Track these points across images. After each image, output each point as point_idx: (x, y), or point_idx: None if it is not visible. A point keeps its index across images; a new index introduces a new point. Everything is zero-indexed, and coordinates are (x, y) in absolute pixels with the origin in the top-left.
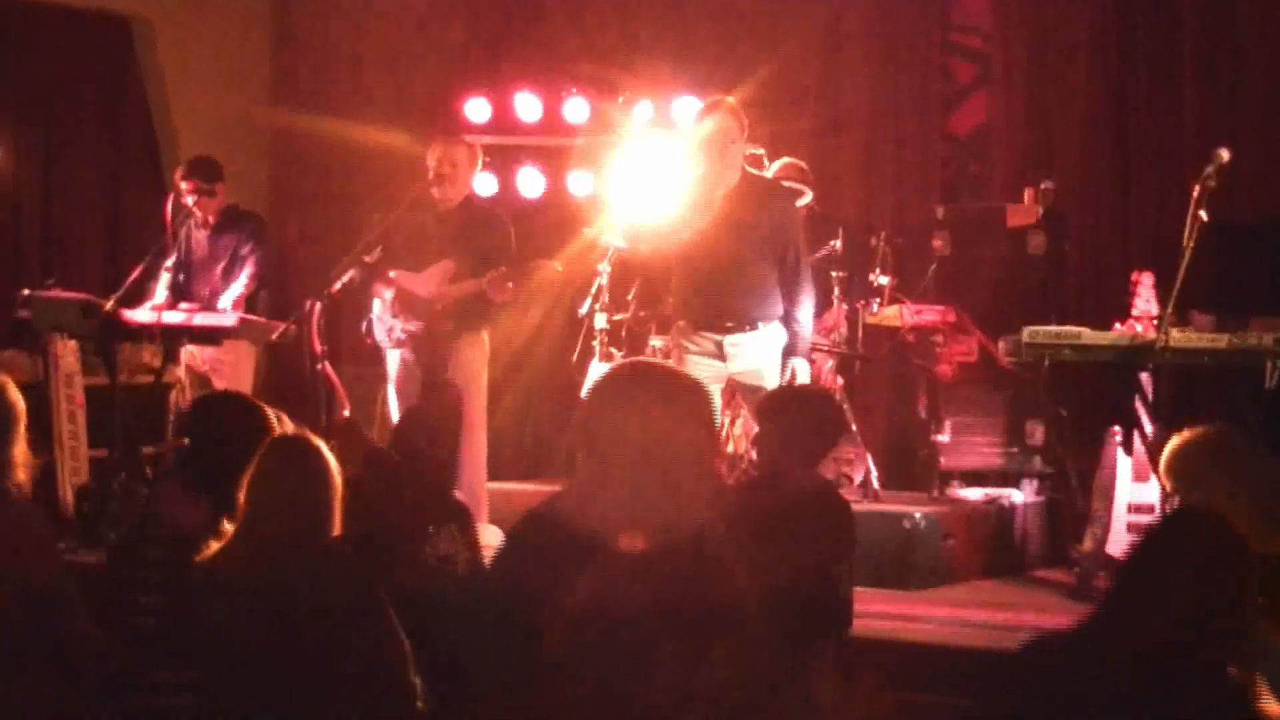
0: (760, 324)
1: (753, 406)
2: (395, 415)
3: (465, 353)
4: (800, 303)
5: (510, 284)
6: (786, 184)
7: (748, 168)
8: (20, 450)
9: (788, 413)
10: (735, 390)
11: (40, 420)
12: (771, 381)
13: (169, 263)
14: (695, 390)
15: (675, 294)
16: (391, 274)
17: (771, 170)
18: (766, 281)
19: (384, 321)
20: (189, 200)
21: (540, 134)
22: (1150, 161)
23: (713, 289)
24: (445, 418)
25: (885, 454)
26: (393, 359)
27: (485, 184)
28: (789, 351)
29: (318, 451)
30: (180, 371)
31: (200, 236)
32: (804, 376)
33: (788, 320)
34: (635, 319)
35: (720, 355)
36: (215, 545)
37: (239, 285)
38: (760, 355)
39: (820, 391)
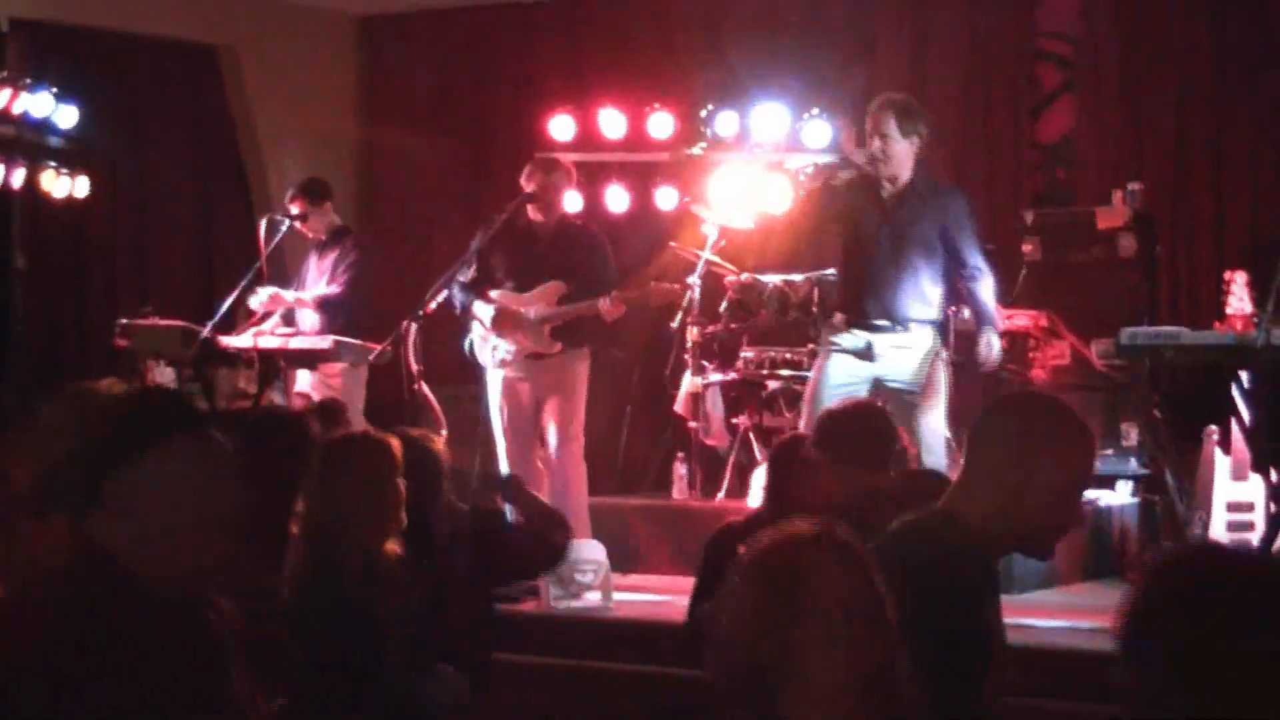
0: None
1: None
2: (498, 434)
3: (572, 371)
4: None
5: (620, 305)
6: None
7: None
8: None
9: None
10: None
11: None
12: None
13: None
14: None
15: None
16: (494, 294)
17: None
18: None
19: (488, 342)
20: (297, 222)
21: (625, 150)
22: (1241, 161)
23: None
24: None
25: None
26: (494, 378)
27: (572, 201)
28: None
29: (385, 449)
30: (278, 396)
31: (312, 260)
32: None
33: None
34: (727, 331)
35: (869, 355)
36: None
37: (327, 288)
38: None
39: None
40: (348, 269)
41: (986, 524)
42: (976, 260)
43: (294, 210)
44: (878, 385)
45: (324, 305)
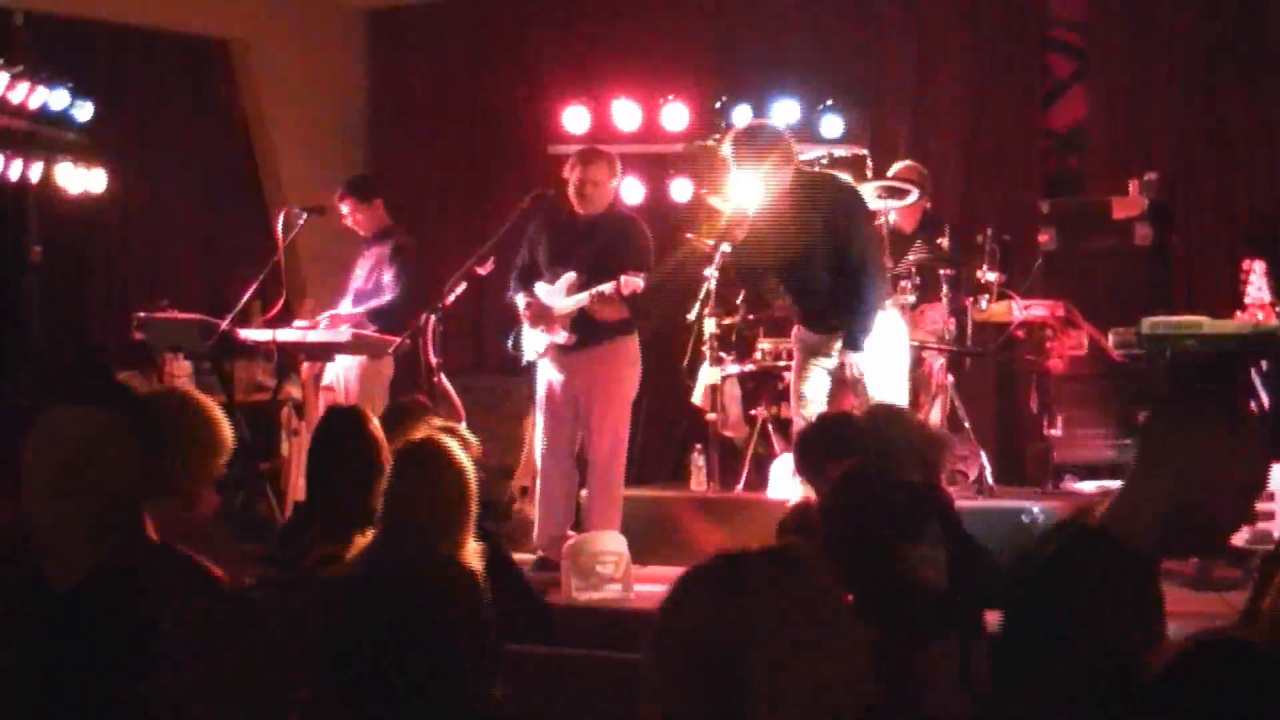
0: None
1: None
2: (539, 430)
3: (605, 363)
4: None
5: (611, 300)
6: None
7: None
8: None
9: None
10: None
11: None
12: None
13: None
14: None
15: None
16: (537, 286)
17: (891, 172)
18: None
19: (529, 334)
20: (347, 220)
21: (639, 141)
22: (1252, 149)
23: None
24: None
25: (997, 449)
26: (539, 371)
27: (630, 193)
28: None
29: (451, 457)
30: (295, 389)
31: (360, 256)
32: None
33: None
34: (744, 323)
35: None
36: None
37: (380, 299)
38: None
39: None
40: (399, 274)
41: (1153, 533)
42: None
43: (343, 208)
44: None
45: (378, 315)
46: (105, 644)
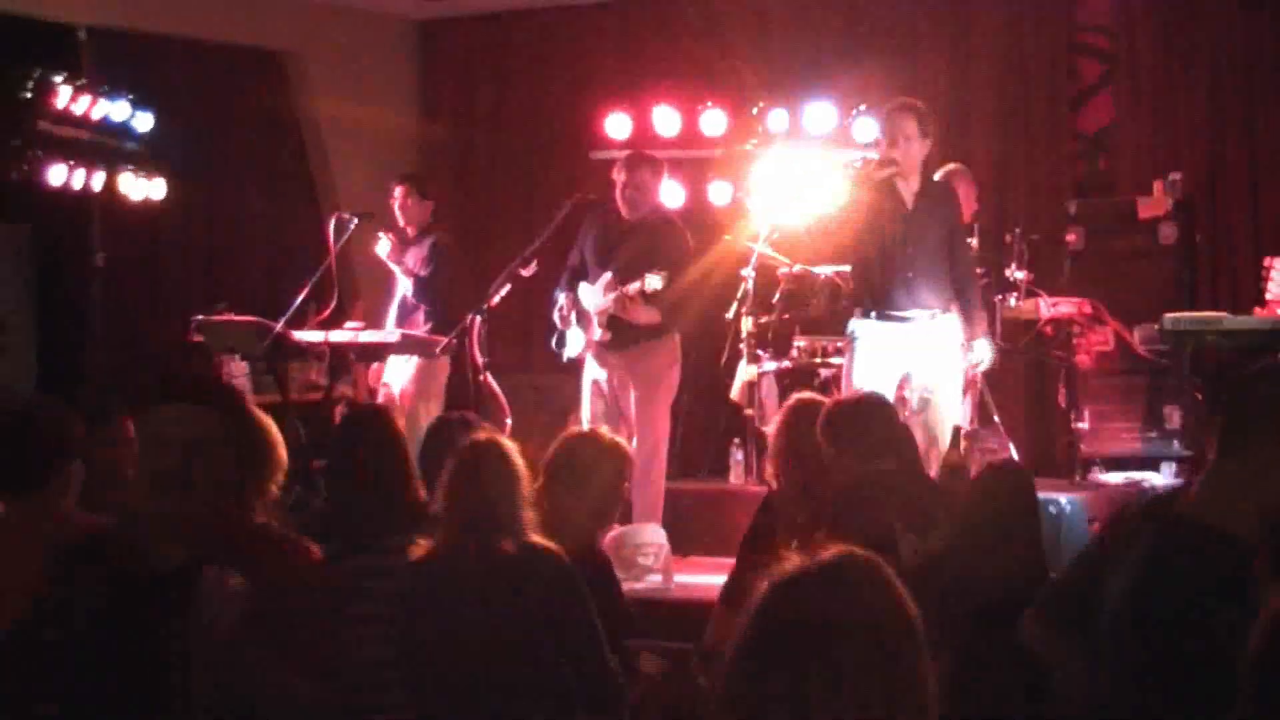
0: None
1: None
2: (585, 425)
3: (643, 361)
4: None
5: (659, 281)
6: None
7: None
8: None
9: None
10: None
11: None
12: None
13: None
14: None
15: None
16: (581, 288)
17: (939, 175)
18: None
19: (571, 333)
20: (395, 205)
21: (679, 146)
22: (1276, 151)
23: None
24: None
25: (1027, 442)
26: (587, 368)
27: (672, 197)
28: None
29: (509, 453)
30: (348, 388)
31: (402, 264)
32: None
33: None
34: (780, 321)
35: (895, 346)
36: (423, 544)
37: (432, 313)
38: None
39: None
40: (440, 268)
41: (1249, 519)
42: (965, 263)
43: (396, 193)
44: (904, 378)
45: (439, 326)
46: (197, 623)
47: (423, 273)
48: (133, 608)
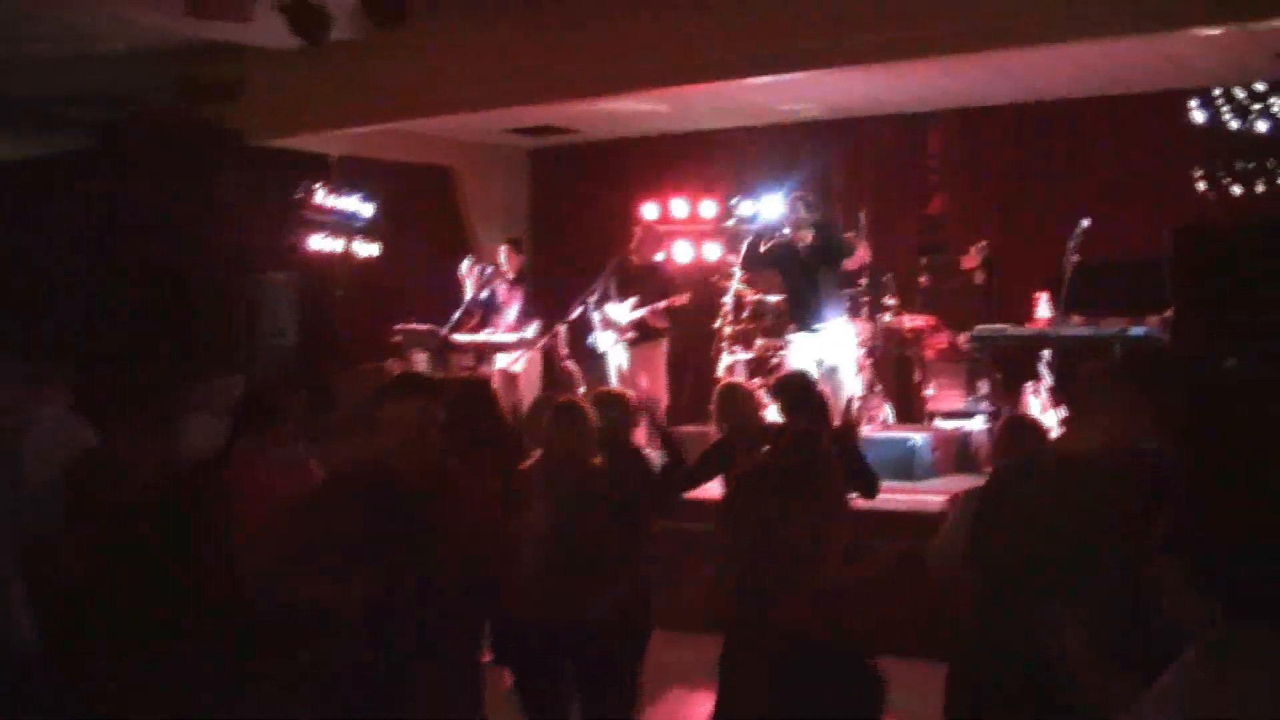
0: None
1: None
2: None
3: (646, 355)
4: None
5: (663, 313)
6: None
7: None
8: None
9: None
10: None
11: None
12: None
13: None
14: None
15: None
16: (606, 305)
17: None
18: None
19: (601, 335)
20: (502, 260)
21: (687, 222)
22: (1038, 230)
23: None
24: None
25: (897, 403)
26: (611, 358)
27: (660, 254)
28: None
29: (584, 410)
30: (492, 371)
31: (503, 288)
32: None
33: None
34: (746, 328)
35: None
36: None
37: (523, 326)
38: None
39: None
40: (526, 306)
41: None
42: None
43: (503, 252)
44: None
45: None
46: (433, 518)
47: (520, 301)
48: (392, 508)
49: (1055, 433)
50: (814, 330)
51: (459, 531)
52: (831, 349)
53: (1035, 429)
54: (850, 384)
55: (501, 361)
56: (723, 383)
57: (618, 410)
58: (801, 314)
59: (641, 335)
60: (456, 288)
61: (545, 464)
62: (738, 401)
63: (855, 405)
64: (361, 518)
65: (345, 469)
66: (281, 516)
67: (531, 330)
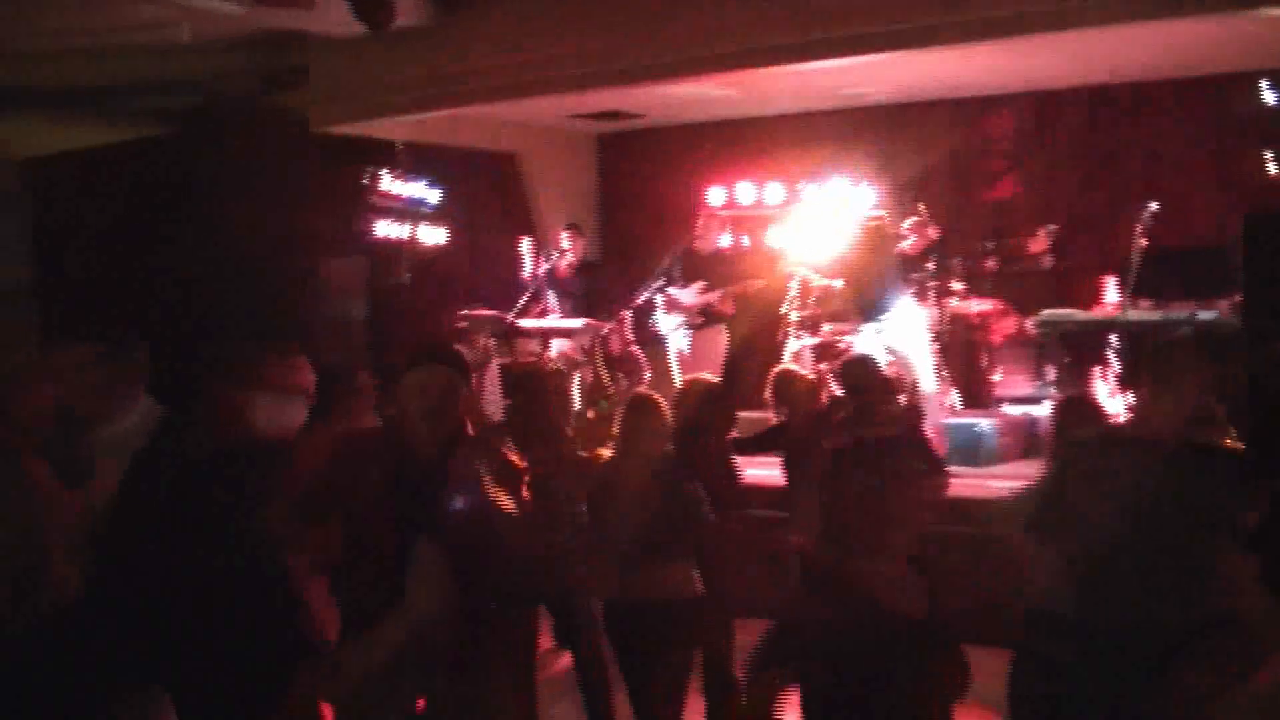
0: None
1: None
2: (678, 380)
3: (711, 340)
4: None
5: (730, 298)
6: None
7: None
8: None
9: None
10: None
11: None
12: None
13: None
14: None
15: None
16: (670, 290)
17: (908, 224)
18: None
19: (665, 318)
20: (565, 247)
21: (754, 208)
22: (1110, 214)
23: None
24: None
25: (963, 388)
26: (671, 342)
27: (725, 240)
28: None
29: (657, 402)
30: (553, 354)
31: (564, 274)
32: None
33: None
34: (813, 315)
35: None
36: (607, 454)
37: (583, 311)
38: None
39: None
40: (594, 293)
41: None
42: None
43: (566, 238)
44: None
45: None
46: (443, 483)
47: (580, 287)
48: (409, 476)
49: (1122, 417)
50: (879, 322)
51: (460, 504)
52: (900, 335)
53: (1092, 409)
54: (922, 368)
55: (562, 347)
56: (777, 369)
57: (695, 400)
58: (865, 309)
59: (705, 320)
60: (522, 273)
61: (617, 454)
62: (792, 386)
63: (925, 392)
64: (373, 480)
65: (363, 433)
66: (300, 478)
67: (586, 321)
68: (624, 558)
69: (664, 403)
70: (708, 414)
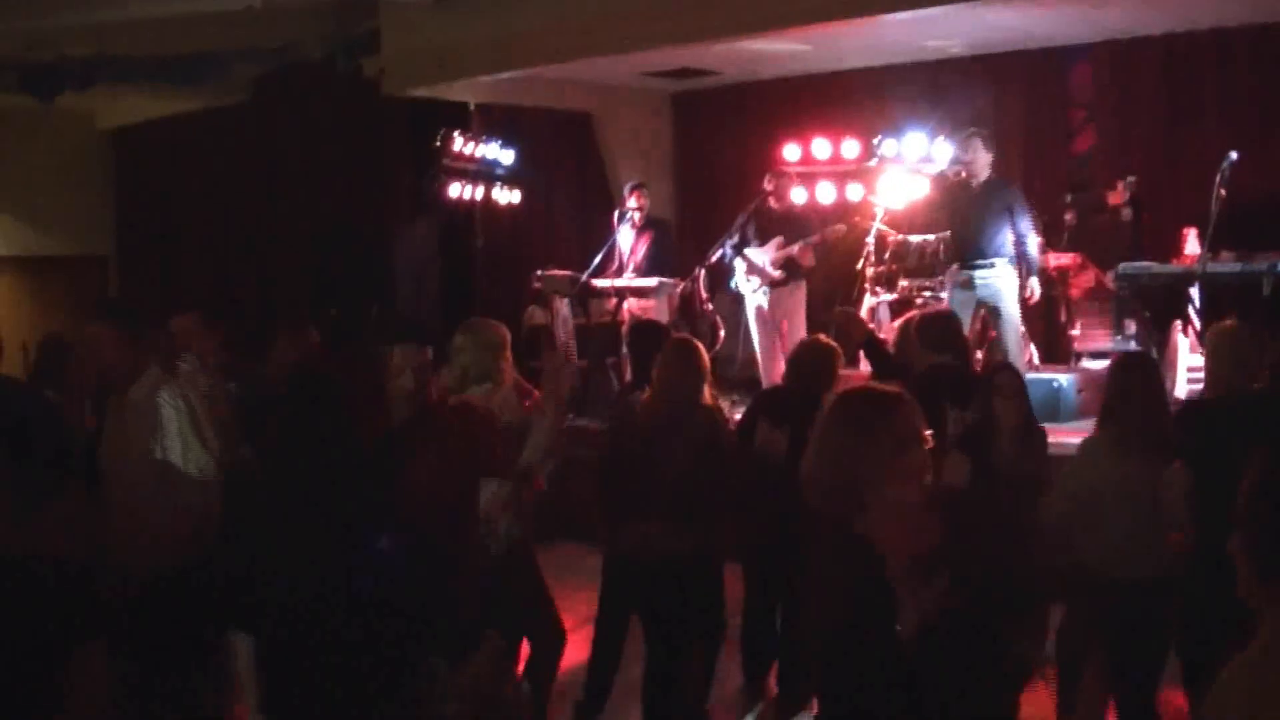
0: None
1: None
2: (754, 336)
3: (793, 296)
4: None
5: (810, 249)
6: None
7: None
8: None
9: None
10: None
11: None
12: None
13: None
14: None
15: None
16: (747, 250)
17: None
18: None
19: (744, 278)
20: (631, 205)
21: (830, 163)
22: (1187, 165)
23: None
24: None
25: (1042, 344)
26: (750, 302)
27: (799, 196)
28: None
29: (699, 349)
30: (625, 314)
31: (631, 233)
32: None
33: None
34: (889, 270)
35: (970, 284)
36: (645, 396)
37: (653, 270)
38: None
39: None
40: (667, 247)
41: None
42: (1026, 230)
43: (634, 197)
44: (978, 304)
45: (664, 283)
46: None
47: (649, 245)
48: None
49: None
50: (979, 267)
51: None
52: (994, 291)
53: (1147, 366)
54: (1015, 326)
55: (633, 306)
56: (838, 309)
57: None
58: (967, 252)
59: (787, 275)
60: (597, 233)
61: (652, 398)
62: (846, 324)
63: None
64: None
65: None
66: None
67: (661, 280)
68: (649, 510)
69: (703, 348)
70: (827, 376)
